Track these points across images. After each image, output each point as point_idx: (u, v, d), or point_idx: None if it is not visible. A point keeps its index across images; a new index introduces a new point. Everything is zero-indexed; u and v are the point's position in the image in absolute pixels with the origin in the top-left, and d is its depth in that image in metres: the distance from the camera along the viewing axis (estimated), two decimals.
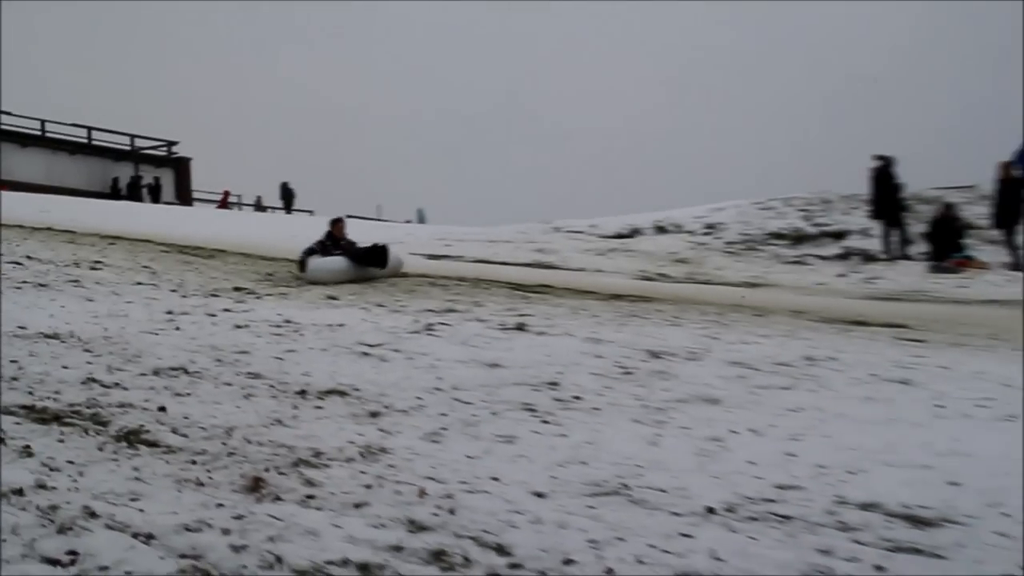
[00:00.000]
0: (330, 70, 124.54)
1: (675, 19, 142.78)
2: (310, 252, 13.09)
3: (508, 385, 6.73)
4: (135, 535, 3.63)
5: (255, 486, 4.34)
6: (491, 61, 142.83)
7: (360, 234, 14.31)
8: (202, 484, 4.35)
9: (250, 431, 5.30)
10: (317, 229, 14.06)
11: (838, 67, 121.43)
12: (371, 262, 13.19)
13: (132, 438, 4.97)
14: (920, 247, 18.97)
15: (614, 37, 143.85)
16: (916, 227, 19.60)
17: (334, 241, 13.40)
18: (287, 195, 41.25)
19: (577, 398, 6.48)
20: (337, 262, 12.93)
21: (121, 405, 5.62)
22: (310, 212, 39.52)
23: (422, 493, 4.41)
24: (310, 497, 4.28)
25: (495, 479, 4.71)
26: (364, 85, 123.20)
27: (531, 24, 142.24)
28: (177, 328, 8.10)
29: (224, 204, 40.61)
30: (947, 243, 18.22)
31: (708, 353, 8.11)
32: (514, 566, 3.61)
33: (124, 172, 41.30)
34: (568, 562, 3.68)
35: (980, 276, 16.99)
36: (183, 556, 3.47)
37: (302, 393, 6.26)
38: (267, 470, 4.60)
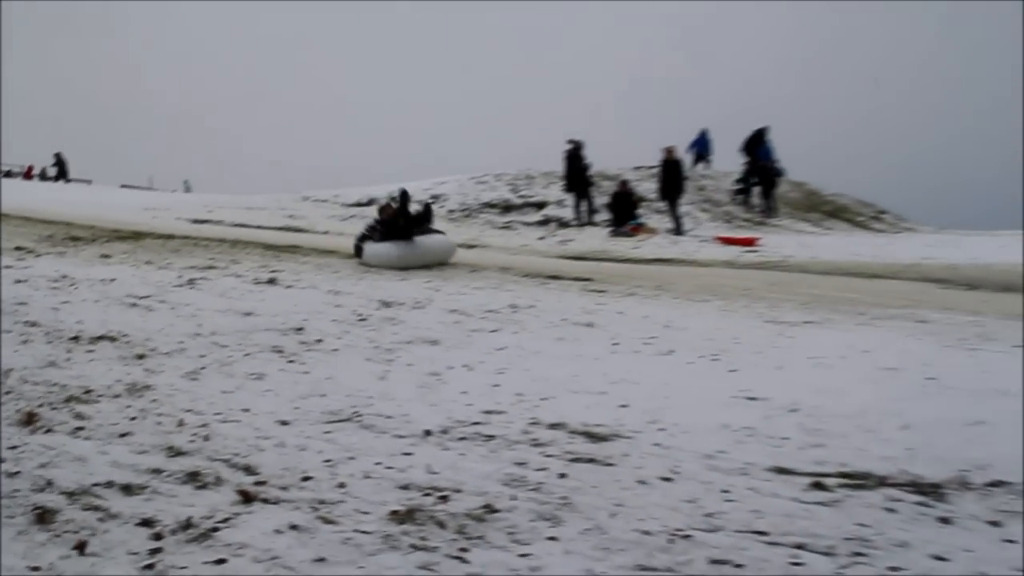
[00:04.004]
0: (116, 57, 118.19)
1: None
2: (363, 238, 11.53)
3: (260, 330, 6.60)
4: None
5: (29, 420, 4.11)
6: (254, 50, 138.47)
7: (133, 200, 13.58)
8: None
9: (26, 372, 5.00)
10: (93, 195, 13.21)
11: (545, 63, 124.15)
12: (419, 223, 11.70)
13: None
14: (603, 215, 19.64)
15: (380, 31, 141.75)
16: (600, 199, 20.28)
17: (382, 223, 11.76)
18: (60, 164, 38.50)
19: (319, 341, 6.42)
20: (391, 247, 11.21)
21: None
22: (88, 181, 37.23)
23: (180, 423, 4.29)
24: (80, 429, 4.09)
25: (246, 410, 4.63)
26: (145, 71, 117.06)
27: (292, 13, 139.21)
28: None
29: (28, 176, 37.91)
30: (624, 212, 18.89)
31: (431, 303, 8.18)
32: (260, 483, 3.56)
33: None
34: (307, 479, 3.66)
35: (649, 239, 17.78)
36: None
37: (75, 339, 5.93)
38: (41, 406, 4.36)
